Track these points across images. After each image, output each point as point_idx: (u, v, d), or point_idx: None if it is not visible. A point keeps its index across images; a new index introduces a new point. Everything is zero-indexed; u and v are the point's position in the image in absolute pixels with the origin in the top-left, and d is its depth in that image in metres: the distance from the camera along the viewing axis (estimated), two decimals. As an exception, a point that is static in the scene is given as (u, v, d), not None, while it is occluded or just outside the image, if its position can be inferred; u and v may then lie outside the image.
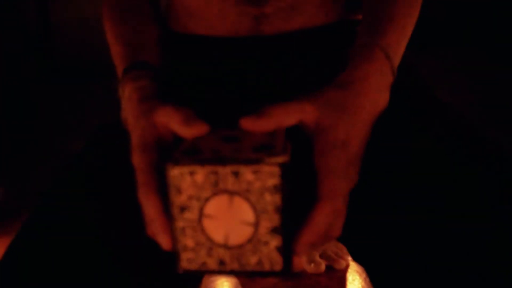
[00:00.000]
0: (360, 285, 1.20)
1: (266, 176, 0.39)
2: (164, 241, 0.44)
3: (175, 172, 0.40)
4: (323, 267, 1.31)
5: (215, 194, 0.40)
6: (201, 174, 0.39)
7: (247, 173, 0.39)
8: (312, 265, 1.30)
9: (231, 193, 0.40)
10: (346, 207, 0.47)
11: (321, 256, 1.32)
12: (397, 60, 0.57)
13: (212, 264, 0.42)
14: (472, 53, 2.70)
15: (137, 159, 0.49)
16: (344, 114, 0.49)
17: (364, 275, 1.19)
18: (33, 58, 2.55)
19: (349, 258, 1.26)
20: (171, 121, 0.48)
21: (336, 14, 0.65)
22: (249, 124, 0.46)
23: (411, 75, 0.66)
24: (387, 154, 0.55)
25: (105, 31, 0.67)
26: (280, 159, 0.39)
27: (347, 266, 1.29)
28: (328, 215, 0.44)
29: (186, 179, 0.40)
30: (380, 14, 0.58)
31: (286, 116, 0.47)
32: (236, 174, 0.39)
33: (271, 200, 0.39)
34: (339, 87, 0.51)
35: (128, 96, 0.56)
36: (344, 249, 1.25)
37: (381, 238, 0.53)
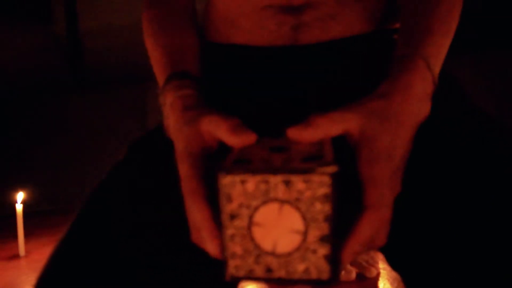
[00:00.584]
0: (391, 294, 1.20)
1: (316, 186, 0.39)
2: (212, 248, 0.44)
3: (226, 181, 0.40)
4: (354, 275, 1.31)
5: (265, 202, 0.40)
6: (252, 182, 0.40)
7: (298, 182, 0.39)
8: (343, 272, 1.30)
9: (281, 202, 0.40)
10: (391, 216, 0.47)
11: (352, 264, 1.32)
12: (437, 70, 0.57)
13: (259, 271, 0.42)
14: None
15: (184, 167, 0.49)
16: (388, 123, 0.49)
17: (396, 284, 1.18)
18: (64, 67, 2.60)
19: (382, 265, 1.25)
20: (218, 129, 0.49)
21: (373, 23, 0.65)
22: (296, 134, 0.46)
23: (449, 82, 0.66)
24: (427, 163, 0.55)
25: (144, 41, 0.69)
26: (330, 169, 0.39)
27: (378, 274, 1.29)
28: (374, 224, 0.44)
29: (237, 188, 0.40)
30: (419, 25, 0.58)
31: (332, 126, 0.47)
32: (287, 183, 0.39)
33: (321, 209, 0.40)
34: (382, 97, 0.51)
35: (170, 105, 0.56)
36: (377, 257, 1.24)
37: (420, 245, 0.53)
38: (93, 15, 2.60)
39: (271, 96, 0.64)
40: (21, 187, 1.96)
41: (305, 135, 0.46)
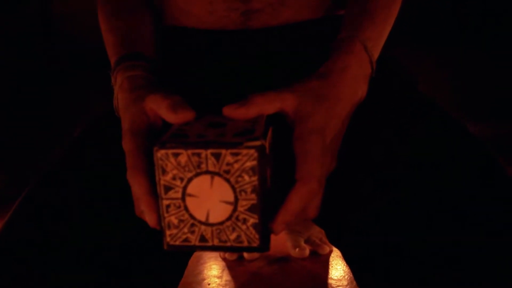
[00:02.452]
0: (342, 270, 1.23)
1: (244, 158, 0.41)
2: (150, 219, 0.46)
3: (160, 154, 0.42)
4: (307, 252, 1.33)
5: (197, 174, 0.42)
6: (184, 155, 0.42)
7: (227, 156, 0.41)
8: (297, 250, 1.33)
9: (212, 174, 0.42)
10: (321, 189, 0.49)
11: (305, 242, 1.35)
12: (376, 53, 0.58)
13: (194, 240, 0.44)
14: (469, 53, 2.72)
15: (127, 143, 0.51)
16: (322, 103, 0.51)
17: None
18: (34, 50, 2.55)
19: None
20: (159, 107, 0.50)
21: (322, 9, 0.66)
22: (230, 111, 0.48)
23: (393, 67, 0.68)
24: (367, 144, 0.57)
25: (99, 22, 0.69)
26: (258, 142, 0.41)
27: (331, 251, 1.32)
28: (303, 196, 0.46)
29: (171, 160, 0.42)
30: (360, 9, 0.60)
31: (267, 104, 0.49)
32: (217, 156, 0.41)
33: (249, 180, 0.42)
34: (319, 77, 0.53)
35: (120, 85, 0.57)
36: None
37: (357, 223, 0.56)
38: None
39: (221, 79, 0.66)
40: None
41: (239, 112, 0.48)
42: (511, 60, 2.63)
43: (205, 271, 1.30)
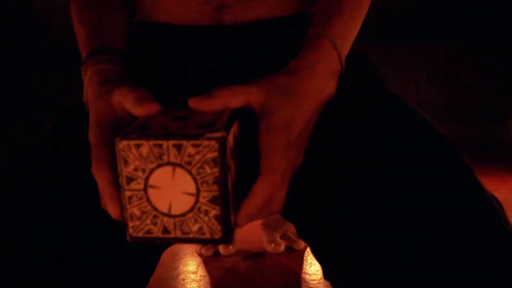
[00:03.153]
0: (317, 265, 1.24)
1: (205, 150, 0.41)
2: (113, 211, 0.46)
3: (122, 145, 0.42)
4: (282, 247, 1.34)
5: (159, 166, 0.42)
6: (146, 146, 0.41)
7: (188, 147, 0.41)
8: (273, 245, 1.33)
9: (174, 165, 0.42)
10: (285, 183, 0.50)
11: (281, 237, 1.35)
12: (344, 50, 0.58)
13: (156, 232, 0.44)
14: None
15: (92, 136, 0.50)
16: (289, 98, 0.51)
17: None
18: (15, 45, 2.52)
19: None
20: (125, 100, 0.50)
21: (294, 6, 0.66)
22: (196, 104, 0.48)
23: (363, 65, 0.68)
24: (334, 140, 0.57)
25: (71, 15, 0.68)
26: (218, 134, 0.41)
27: (306, 246, 1.32)
28: (266, 189, 0.46)
29: (133, 152, 0.42)
30: (330, 7, 0.60)
31: (232, 97, 0.49)
32: (178, 147, 0.41)
33: (210, 172, 0.42)
34: (287, 73, 0.53)
35: (89, 79, 0.57)
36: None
37: (326, 219, 0.56)
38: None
39: (194, 74, 0.65)
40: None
41: (204, 104, 0.48)
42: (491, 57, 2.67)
43: (181, 267, 1.29)
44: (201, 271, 1.27)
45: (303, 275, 1.23)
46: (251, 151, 0.49)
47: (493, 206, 0.51)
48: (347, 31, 0.59)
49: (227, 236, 0.44)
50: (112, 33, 0.64)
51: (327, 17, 0.59)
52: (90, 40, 0.62)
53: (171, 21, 0.66)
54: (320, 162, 0.56)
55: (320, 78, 0.54)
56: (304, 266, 1.27)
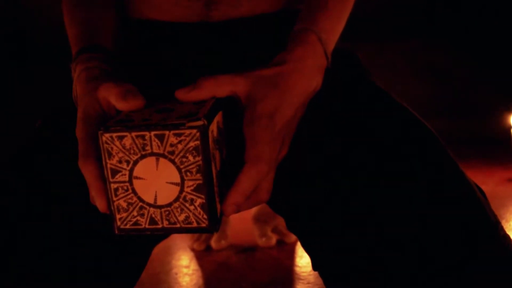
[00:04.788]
0: (307, 257, 1.24)
1: (187, 139, 0.41)
2: (100, 203, 0.45)
3: (105, 137, 0.42)
4: (274, 241, 1.34)
5: (143, 157, 0.42)
6: (128, 138, 0.41)
7: (170, 137, 0.41)
8: (264, 239, 1.34)
9: (157, 156, 0.42)
10: (271, 172, 0.50)
11: (272, 231, 1.36)
12: (330, 44, 0.59)
13: (144, 223, 0.44)
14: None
15: (79, 132, 0.50)
16: (274, 90, 0.51)
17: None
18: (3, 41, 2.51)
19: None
20: (110, 95, 0.50)
21: (281, 3, 0.66)
22: (182, 95, 0.48)
23: (349, 59, 0.68)
24: (321, 133, 0.57)
25: (63, 13, 0.68)
26: (200, 122, 0.41)
27: (296, 240, 1.33)
28: (252, 177, 0.46)
29: (116, 144, 0.42)
30: (317, 2, 0.60)
31: (218, 87, 0.49)
32: (160, 137, 0.41)
33: (193, 161, 0.41)
34: (274, 65, 0.53)
35: (77, 76, 0.57)
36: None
37: (314, 213, 0.56)
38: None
39: (183, 70, 0.66)
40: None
41: (191, 95, 0.48)
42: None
43: (173, 261, 1.30)
44: (194, 265, 1.27)
45: (294, 268, 1.24)
46: (237, 141, 0.49)
47: (478, 197, 0.52)
48: (333, 26, 0.59)
49: (214, 225, 0.44)
50: (101, 31, 0.64)
51: (313, 13, 0.59)
52: (79, 38, 0.63)
53: (161, 18, 0.66)
54: (306, 155, 0.56)
55: (306, 71, 0.54)
56: (295, 259, 1.28)
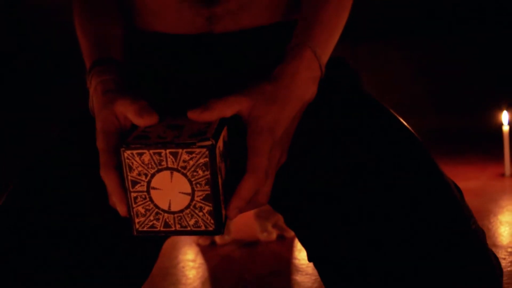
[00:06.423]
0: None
1: (197, 156, 0.47)
2: (121, 209, 0.51)
3: (127, 154, 0.48)
4: (274, 235, 1.40)
5: (159, 170, 0.48)
6: (147, 155, 0.48)
7: (183, 154, 0.47)
8: (265, 234, 1.39)
9: (172, 170, 0.48)
10: (269, 179, 0.55)
11: (273, 226, 1.42)
12: (325, 57, 0.63)
13: (159, 226, 0.50)
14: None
15: (100, 143, 0.56)
16: (273, 105, 0.56)
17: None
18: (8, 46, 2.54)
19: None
20: (127, 111, 0.55)
21: (279, 14, 0.70)
22: (195, 116, 0.53)
23: (344, 70, 0.72)
24: (316, 139, 0.62)
25: (75, 27, 0.72)
26: (209, 142, 0.47)
27: (296, 234, 1.38)
28: (251, 185, 0.52)
29: (136, 159, 0.48)
30: (312, 17, 0.64)
31: (226, 108, 0.54)
32: (174, 154, 0.47)
33: (203, 175, 0.48)
34: (271, 81, 0.58)
35: (94, 89, 0.62)
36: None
37: (309, 209, 0.61)
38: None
39: (187, 79, 0.69)
40: None
41: (203, 117, 0.53)
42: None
43: (180, 256, 1.36)
44: (199, 259, 1.33)
45: (293, 260, 1.30)
46: (239, 150, 0.55)
47: (453, 194, 0.57)
48: (328, 39, 0.64)
49: (220, 228, 0.50)
50: (112, 43, 0.68)
51: (309, 27, 0.63)
52: (92, 51, 0.67)
53: (167, 31, 0.70)
54: (302, 158, 0.61)
55: (302, 84, 0.59)
56: (294, 252, 1.34)
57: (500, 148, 1.99)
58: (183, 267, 1.29)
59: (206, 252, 1.37)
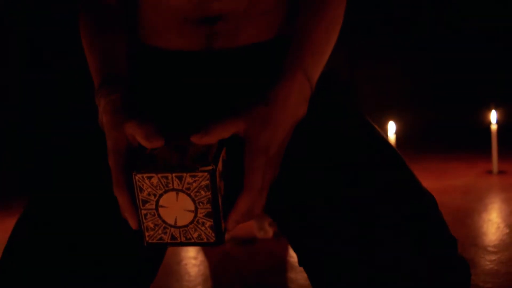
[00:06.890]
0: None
1: (200, 179, 0.54)
2: (132, 223, 0.58)
3: (138, 177, 0.54)
4: (271, 233, 1.46)
5: (166, 191, 0.54)
6: (156, 178, 0.54)
7: (187, 177, 0.54)
8: (262, 232, 1.45)
9: (177, 191, 0.54)
10: (263, 195, 0.60)
11: (269, 225, 1.47)
12: (315, 77, 0.67)
13: (166, 238, 0.57)
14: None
15: (111, 161, 0.61)
16: (267, 126, 0.61)
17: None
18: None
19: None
20: (136, 134, 0.60)
21: (275, 31, 0.73)
22: (197, 139, 0.58)
23: (331, 84, 0.76)
24: (304, 151, 0.66)
25: (82, 42, 0.75)
26: (209, 167, 0.54)
27: (291, 232, 1.44)
28: (247, 201, 0.58)
29: (146, 182, 0.54)
30: (303, 40, 0.67)
31: (224, 132, 0.59)
32: (179, 178, 0.54)
33: (205, 195, 0.54)
34: (265, 103, 0.62)
35: (103, 107, 0.65)
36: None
37: (299, 213, 0.66)
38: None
39: (187, 93, 0.74)
40: None
41: (203, 140, 0.58)
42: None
43: (182, 254, 1.42)
44: (201, 257, 1.39)
45: (288, 258, 1.36)
46: (237, 167, 0.60)
47: (428, 201, 0.63)
48: (319, 59, 0.68)
49: (220, 240, 0.57)
50: (118, 60, 0.71)
51: (301, 51, 0.66)
52: (99, 68, 0.70)
53: (165, 46, 0.74)
54: (293, 170, 0.66)
55: (294, 105, 0.63)
56: (289, 250, 1.39)
57: (489, 147, 2.05)
58: (186, 265, 1.35)
59: (206, 249, 1.43)
